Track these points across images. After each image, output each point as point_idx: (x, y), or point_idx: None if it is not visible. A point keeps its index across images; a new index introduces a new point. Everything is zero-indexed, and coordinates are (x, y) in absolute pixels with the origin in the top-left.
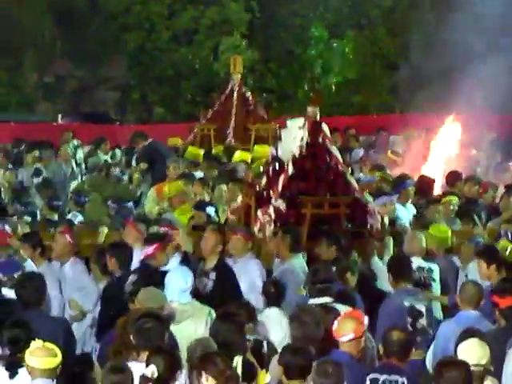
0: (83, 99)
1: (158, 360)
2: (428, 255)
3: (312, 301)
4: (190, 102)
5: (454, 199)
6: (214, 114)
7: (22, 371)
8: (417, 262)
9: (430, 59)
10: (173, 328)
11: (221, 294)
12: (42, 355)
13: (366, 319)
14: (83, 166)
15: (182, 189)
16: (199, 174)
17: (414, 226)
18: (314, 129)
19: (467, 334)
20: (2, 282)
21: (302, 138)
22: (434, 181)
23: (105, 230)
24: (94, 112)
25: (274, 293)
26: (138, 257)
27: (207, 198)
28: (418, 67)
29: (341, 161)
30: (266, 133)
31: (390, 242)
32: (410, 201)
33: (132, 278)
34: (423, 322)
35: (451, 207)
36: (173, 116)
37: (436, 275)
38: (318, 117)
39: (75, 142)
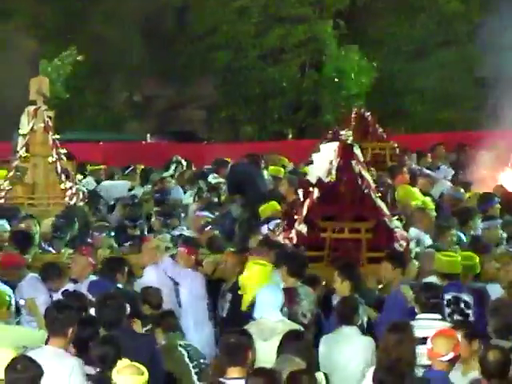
0: (171, 118)
1: (258, 381)
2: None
3: (421, 316)
4: (277, 120)
5: None
6: (333, 134)
7: None
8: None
9: None
10: (262, 345)
11: (233, 316)
12: (129, 373)
13: (458, 335)
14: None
15: (276, 208)
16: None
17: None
18: (345, 152)
19: None
20: (91, 303)
21: (331, 162)
22: None
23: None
24: (182, 131)
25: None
26: (154, 274)
27: None
28: (509, 83)
29: (373, 186)
30: (384, 151)
31: (414, 267)
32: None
33: None
34: None
35: None
36: (260, 135)
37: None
38: (351, 139)
39: None
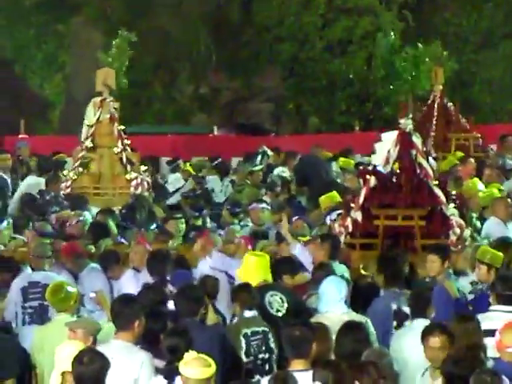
0: (238, 110)
1: (325, 373)
2: None
3: (497, 307)
4: (344, 112)
5: None
6: (416, 125)
7: (179, 380)
8: None
9: None
10: None
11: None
12: (196, 365)
13: None
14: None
15: (335, 199)
16: None
17: None
18: (404, 141)
19: None
20: (170, 295)
21: (389, 151)
22: None
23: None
24: (249, 123)
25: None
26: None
27: None
28: None
29: (431, 174)
30: (467, 142)
31: (467, 255)
32: None
33: None
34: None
35: None
36: (328, 126)
37: None
38: (410, 128)
39: None
